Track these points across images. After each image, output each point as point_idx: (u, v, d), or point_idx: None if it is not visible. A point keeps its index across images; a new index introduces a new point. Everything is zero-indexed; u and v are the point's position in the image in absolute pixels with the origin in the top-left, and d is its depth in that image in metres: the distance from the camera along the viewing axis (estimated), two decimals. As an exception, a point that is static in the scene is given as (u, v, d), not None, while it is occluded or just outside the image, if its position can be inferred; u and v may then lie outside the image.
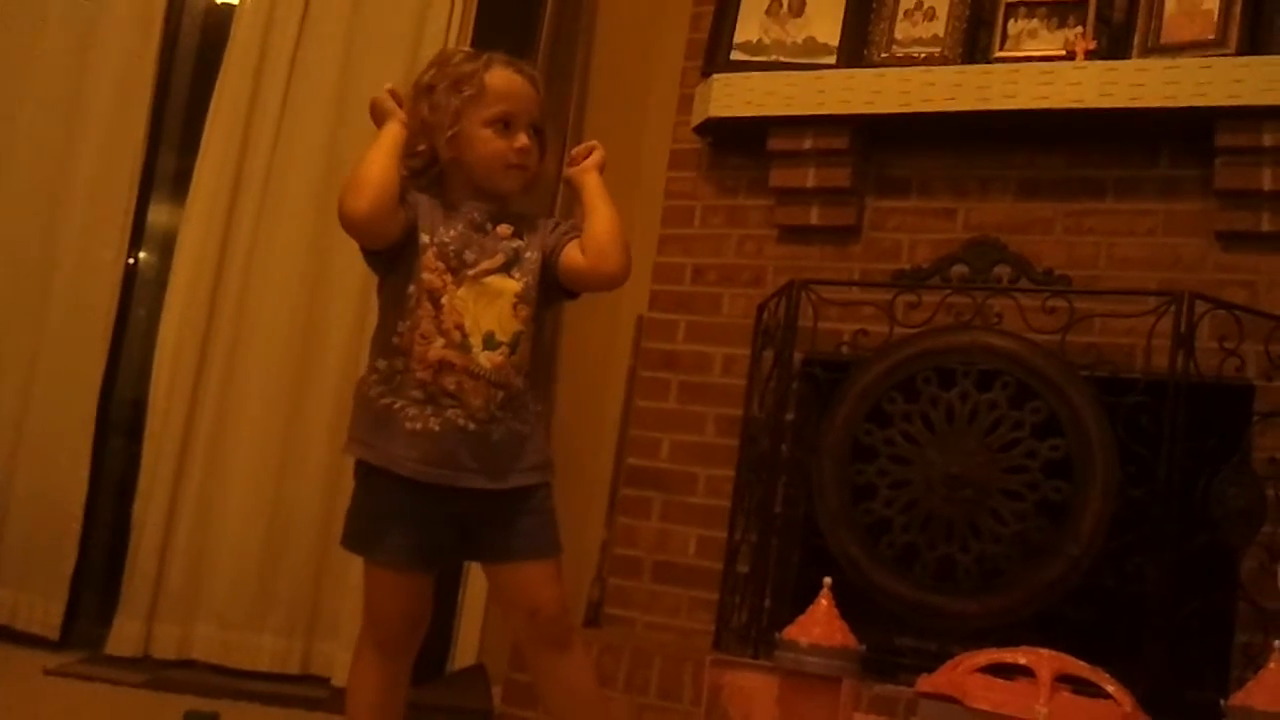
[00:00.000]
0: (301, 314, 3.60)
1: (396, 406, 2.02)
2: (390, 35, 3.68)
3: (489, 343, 2.02)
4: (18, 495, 3.66)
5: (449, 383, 2.01)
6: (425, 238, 2.04)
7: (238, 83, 3.68)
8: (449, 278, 2.03)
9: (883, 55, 3.27)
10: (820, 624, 2.12)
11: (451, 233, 2.05)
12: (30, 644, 3.52)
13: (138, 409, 3.70)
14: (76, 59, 3.82)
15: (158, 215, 3.92)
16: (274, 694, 3.29)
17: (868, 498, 2.99)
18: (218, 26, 3.86)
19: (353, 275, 3.55)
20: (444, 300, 2.02)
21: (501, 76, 2.09)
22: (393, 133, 2.06)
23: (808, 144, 3.27)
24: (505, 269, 2.06)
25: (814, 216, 3.34)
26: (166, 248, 3.80)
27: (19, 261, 3.78)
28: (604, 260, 2.06)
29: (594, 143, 2.19)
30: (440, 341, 2.01)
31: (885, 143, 3.28)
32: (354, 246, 3.67)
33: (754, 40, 3.41)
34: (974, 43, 3.21)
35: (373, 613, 2.12)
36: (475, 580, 3.66)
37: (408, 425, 2.01)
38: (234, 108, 3.67)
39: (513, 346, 2.04)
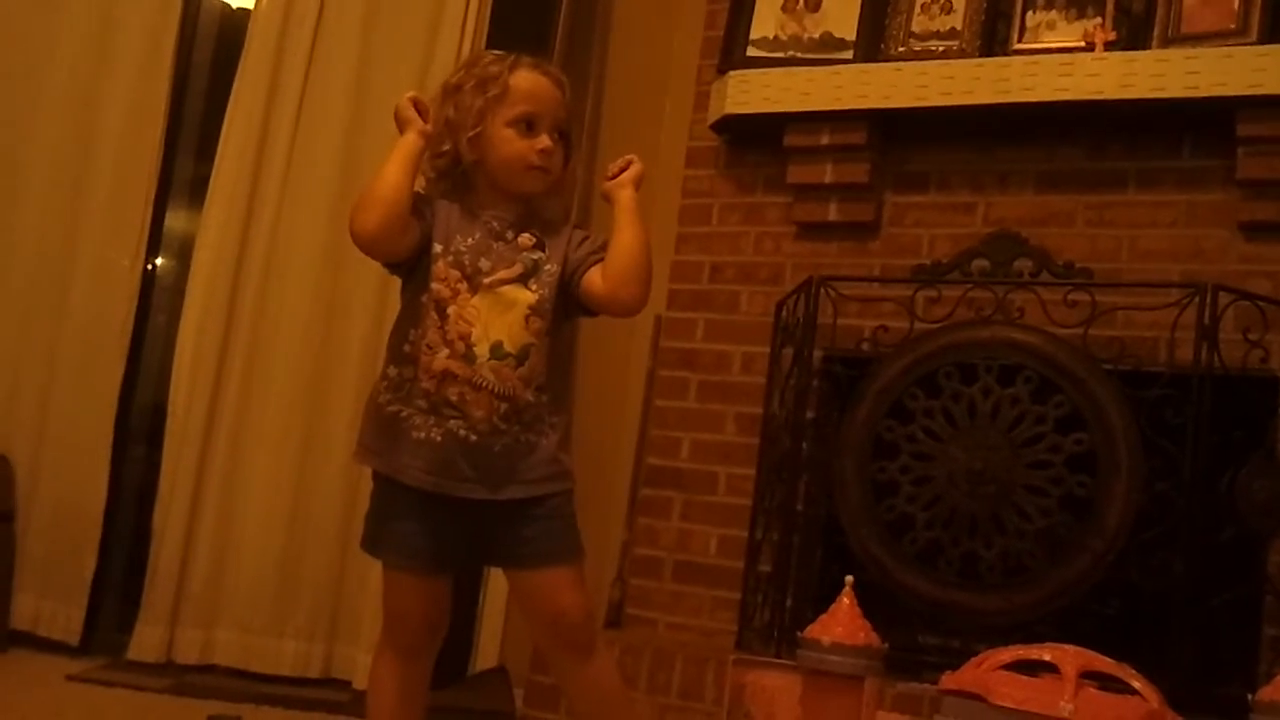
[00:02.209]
0: (320, 317, 3.60)
1: (404, 415, 2.01)
2: (405, 37, 3.67)
3: (496, 353, 2.00)
4: (38, 502, 3.67)
5: (451, 393, 1.99)
6: (438, 247, 2.02)
7: (254, 88, 3.68)
8: (463, 286, 2.01)
9: (900, 49, 3.25)
10: (843, 623, 2.12)
11: (469, 241, 2.03)
12: (52, 650, 3.52)
13: (157, 415, 3.70)
14: (92, 66, 3.82)
15: (175, 221, 3.93)
16: (296, 698, 3.29)
17: (890, 495, 2.97)
18: (233, 31, 3.86)
19: (370, 277, 3.55)
20: (450, 310, 2.00)
21: (526, 78, 2.07)
22: (407, 144, 2.02)
23: (825, 140, 3.25)
24: (522, 280, 2.04)
25: (832, 212, 3.32)
26: (184, 253, 3.80)
27: (37, 268, 3.79)
28: (621, 288, 2.03)
29: (631, 156, 2.13)
30: (445, 352, 1.99)
31: (903, 137, 3.26)
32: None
33: (770, 36, 3.39)
34: (992, 35, 3.19)
35: (390, 615, 2.11)
36: (496, 583, 3.66)
37: (413, 434, 2.00)
38: (250, 113, 3.67)
39: (520, 359, 2.01)
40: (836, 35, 3.33)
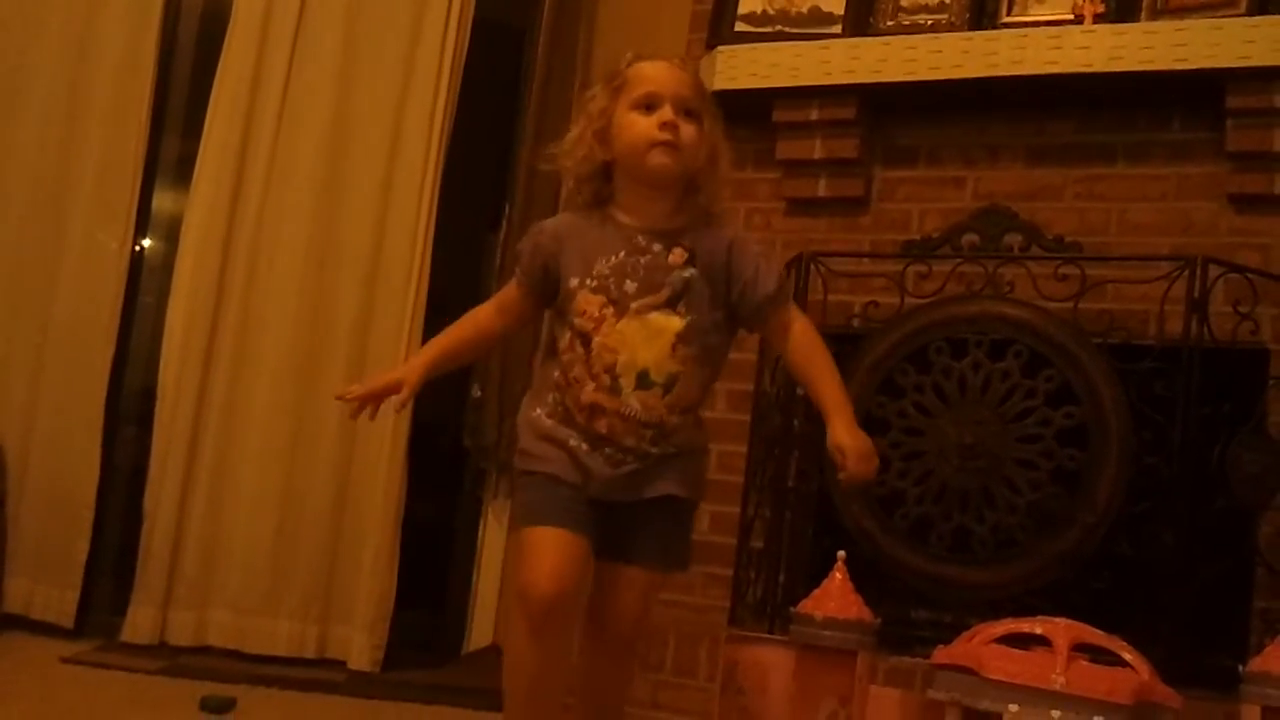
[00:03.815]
0: (309, 296, 3.59)
1: (569, 441, 2.03)
2: (392, 13, 3.66)
3: (642, 382, 1.99)
4: (30, 486, 3.66)
5: (600, 426, 2.00)
6: (574, 281, 2.02)
7: (239, 65, 3.66)
8: (609, 311, 2.00)
9: (889, 23, 3.24)
10: (835, 598, 2.13)
11: (611, 260, 2.02)
12: (46, 633, 3.53)
13: (147, 397, 3.68)
14: (77, 45, 3.80)
15: (163, 201, 3.91)
16: (290, 678, 3.29)
17: (881, 470, 2.96)
18: (218, 8, 3.84)
19: (360, 256, 3.56)
20: (595, 341, 2.00)
21: (645, 65, 2.08)
22: None
23: (814, 115, 3.25)
24: (671, 304, 2.02)
25: (822, 188, 3.31)
26: (172, 234, 3.78)
27: (25, 251, 3.77)
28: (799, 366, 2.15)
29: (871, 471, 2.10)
30: (590, 385, 2.00)
31: (892, 112, 3.25)
32: (360, 229, 3.66)
33: (758, 11, 3.38)
34: (981, 9, 3.18)
35: (523, 579, 2.01)
36: (489, 562, 3.67)
37: (575, 454, 2.02)
38: (236, 90, 3.65)
39: (667, 387, 2.00)
40: (825, 10, 3.32)
